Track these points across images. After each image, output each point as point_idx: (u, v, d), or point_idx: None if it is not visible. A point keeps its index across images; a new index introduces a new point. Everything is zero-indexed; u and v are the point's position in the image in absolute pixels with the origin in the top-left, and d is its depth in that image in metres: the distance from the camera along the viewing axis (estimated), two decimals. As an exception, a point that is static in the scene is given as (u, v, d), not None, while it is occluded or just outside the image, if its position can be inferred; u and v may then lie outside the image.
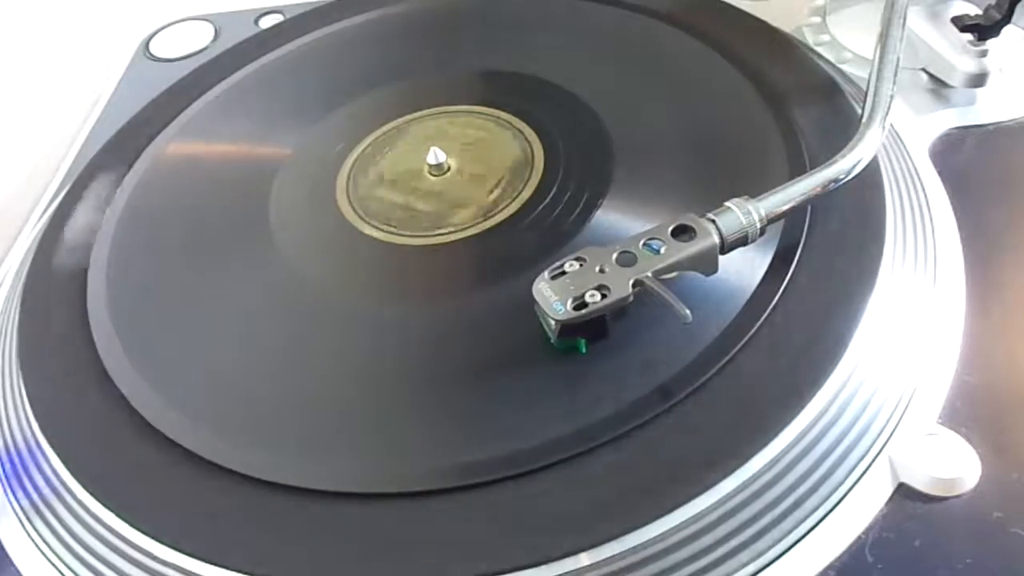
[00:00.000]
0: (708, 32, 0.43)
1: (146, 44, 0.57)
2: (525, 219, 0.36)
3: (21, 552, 0.31)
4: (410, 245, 0.36)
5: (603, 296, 0.29)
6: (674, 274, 0.30)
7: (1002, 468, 0.28)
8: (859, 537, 0.27)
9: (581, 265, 0.30)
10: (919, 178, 0.36)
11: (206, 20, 0.58)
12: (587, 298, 0.29)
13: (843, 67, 0.43)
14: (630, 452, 0.28)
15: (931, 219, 0.35)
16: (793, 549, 0.27)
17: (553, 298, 0.29)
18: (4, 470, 0.33)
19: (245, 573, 0.27)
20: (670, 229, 0.30)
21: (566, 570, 0.26)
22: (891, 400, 0.29)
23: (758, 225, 0.30)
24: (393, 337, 0.33)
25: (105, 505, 0.29)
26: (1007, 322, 0.32)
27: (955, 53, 0.40)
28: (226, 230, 0.39)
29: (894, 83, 0.35)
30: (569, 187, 0.37)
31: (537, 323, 0.30)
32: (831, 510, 0.28)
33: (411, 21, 0.49)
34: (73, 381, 0.33)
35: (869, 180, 0.34)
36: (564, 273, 0.30)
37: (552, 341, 0.30)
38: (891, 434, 0.29)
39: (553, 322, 0.29)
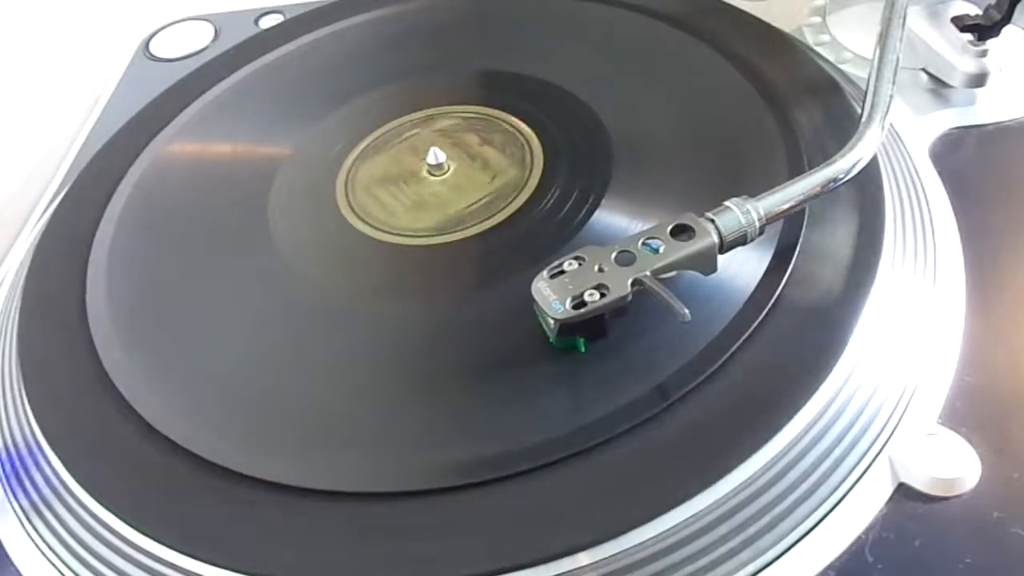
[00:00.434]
0: (708, 32, 0.43)
1: (146, 44, 0.57)
2: (524, 219, 0.36)
3: (21, 552, 0.31)
4: (409, 245, 0.36)
5: (602, 295, 0.29)
6: (673, 273, 0.30)
7: (1002, 468, 0.28)
8: (859, 537, 0.27)
9: (580, 264, 0.30)
10: (919, 178, 0.36)
11: (206, 20, 0.58)
12: (586, 297, 0.29)
13: (843, 67, 0.43)
14: (629, 451, 0.28)
15: (931, 219, 0.35)
16: (793, 549, 0.27)
17: (552, 297, 0.29)
18: (4, 470, 0.33)
19: (245, 573, 0.27)
20: (669, 228, 0.30)
21: (565, 569, 0.26)
22: (891, 400, 0.29)
23: (757, 224, 0.30)
24: (392, 337, 0.33)
25: (105, 505, 0.29)
26: (1007, 322, 0.32)
27: (955, 53, 0.40)
28: (226, 230, 0.39)
29: (894, 83, 0.35)
30: (568, 187, 0.37)
31: (536, 322, 0.30)
32: (831, 510, 0.28)
33: (411, 21, 0.49)
34: (73, 381, 0.33)
35: (868, 180, 0.34)
36: (563, 272, 0.30)
37: (551, 340, 0.30)
38: (891, 434, 0.29)
39: (552, 321, 0.29)
